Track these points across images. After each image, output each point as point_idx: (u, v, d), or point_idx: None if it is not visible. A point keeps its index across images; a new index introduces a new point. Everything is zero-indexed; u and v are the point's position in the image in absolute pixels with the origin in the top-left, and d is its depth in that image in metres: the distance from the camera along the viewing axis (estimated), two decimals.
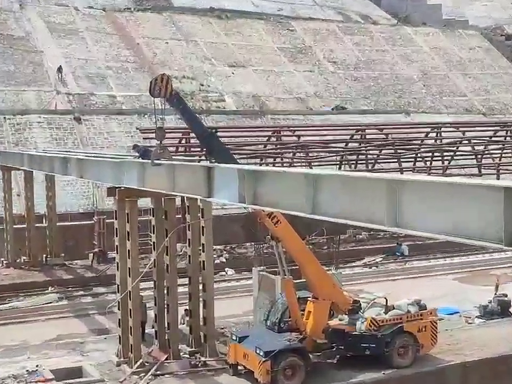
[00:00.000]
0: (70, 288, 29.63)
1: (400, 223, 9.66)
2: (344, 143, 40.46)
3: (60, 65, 44.99)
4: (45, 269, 31.66)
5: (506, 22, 74.80)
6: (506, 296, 24.40)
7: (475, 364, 19.33)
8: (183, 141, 34.93)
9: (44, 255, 32.51)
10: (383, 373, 18.25)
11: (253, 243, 32.44)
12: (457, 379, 18.96)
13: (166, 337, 19.52)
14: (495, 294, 24.60)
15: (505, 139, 44.43)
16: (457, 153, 42.56)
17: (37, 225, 32.60)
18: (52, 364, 19.61)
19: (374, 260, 34.32)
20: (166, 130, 19.25)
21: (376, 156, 40.70)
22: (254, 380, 17.59)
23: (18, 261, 32.21)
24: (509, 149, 43.76)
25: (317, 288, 18.52)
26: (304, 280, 18.94)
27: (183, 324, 20.58)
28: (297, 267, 19.02)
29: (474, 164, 42.07)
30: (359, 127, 42.19)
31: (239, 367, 18.38)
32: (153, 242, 19.39)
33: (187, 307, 20.29)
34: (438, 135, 43.44)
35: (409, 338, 18.70)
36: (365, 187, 10.23)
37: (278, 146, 39.63)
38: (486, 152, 42.83)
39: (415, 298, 19.93)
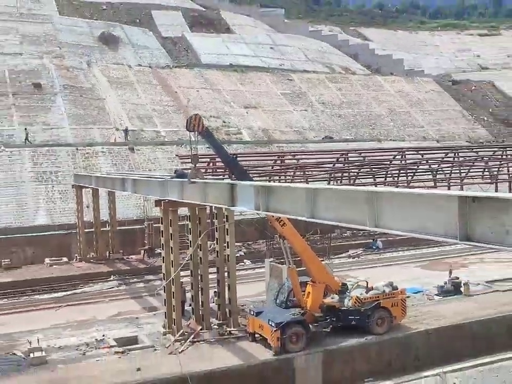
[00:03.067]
0: (127, 276, 29.61)
1: (379, 224, 9.59)
2: (332, 164, 40.38)
3: (127, 127, 45.07)
4: (108, 262, 31.66)
5: (452, 71, 74.70)
6: (457, 278, 24.18)
7: (435, 330, 19.13)
8: (211, 164, 34.94)
9: (107, 252, 32.53)
10: (366, 339, 18.10)
11: (264, 240, 32.38)
12: (422, 342, 18.74)
13: (201, 313, 19.44)
14: (449, 277, 24.39)
15: (453, 159, 44.18)
16: (418, 171, 42.34)
17: (102, 229, 32.63)
18: (115, 334, 19.54)
19: (356, 252, 34.08)
20: (199, 157, 19.24)
21: (356, 173, 40.55)
22: (267, 344, 17.48)
23: (88, 256, 32.25)
24: (457, 167, 43.54)
25: (314, 274, 18.41)
26: (305, 268, 18.85)
27: (213, 303, 20.48)
28: (299, 258, 18.93)
29: (431, 178, 41.82)
30: (343, 152, 42.06)
31: (256, 335, 18.27)
32: (190, 241, 19.37)
33: (216, 290, 20.20)
34: (403, 157, 43.24)
35: (385, 312, 18.52)
36: (351, 197, 10.17)
37: (282, 167, 39.58)
38: (439, 169, 42.60)
39: (389, 281, 19.78)
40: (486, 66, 78.58)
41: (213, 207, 20.68)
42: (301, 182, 36.70)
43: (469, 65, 78.67)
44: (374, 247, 34.77)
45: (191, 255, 19.37)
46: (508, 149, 47.23)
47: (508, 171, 44.47)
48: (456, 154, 44.81)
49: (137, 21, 66.41)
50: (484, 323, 19.82)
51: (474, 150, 47.10)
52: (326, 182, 38.66)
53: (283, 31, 75.42)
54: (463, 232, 8.34)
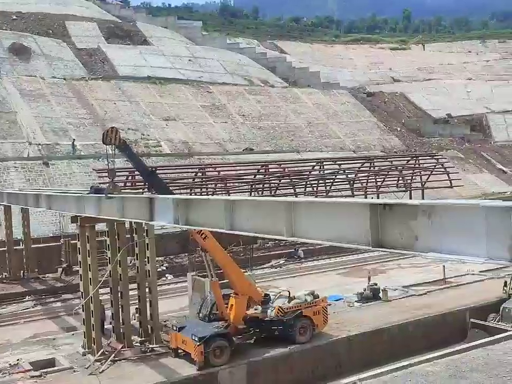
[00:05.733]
0: (43, 296, 28.49)
1: (296, 233, 9.76)
2: (253, 175, 40.77)
3: (74, 139, 43.82)
4: (22, 282, 30.28)
5: (366, 84, 77.40)
6: (376, 284, 24.92)
7: (356, 336, 19.62)
8: (130, 178, 34.36)
9: (22, 271, 31.17)
10: (289, 348, 18.29)
11: (187, 254, 32.14)
12: (344, 349, 19.18)
13: (121, 331, 19.01)
14: (368, 283, 25.10)
15: (369, 169, 45.71)
16: (336, 180, 43.44)
17: (16, 247, 31.26)
18: (30, 358, 18.72)
19: (278, 262, 34.46)
20: (116, 170, 18.89)
21: (277, 184, 41.13)
22: (191, 359, 17.32)
23: (1, 276, 30.80)
24: (373, 176, 45.07)
25: (237, 286, 18.45)
26: (227, 280, 18.85)
27: (134, 320, 20.08)
28: (222, 271, 18.92)
29: (348, 187, 43.03)
30: (263, 163, 42.55)
31: (179, 351, 18.07)
32: (109, 257, 18.95)
33: (137, 306, 19.83)
34: (321, 167, 44.28)
35: (307, 320, 18.79)
36: (269, 208, 10.30)
37: (203, 179, 39.53)
38: (356, 179, 43.92)
39: (310, 290, 20.11)
40: (397, 79, 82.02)
41: (132, 222, 20.33)
42: (223, 194, 36.79)
43: (382, 78, 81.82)
44: (295, 256, 35.30)
45: (110, 271, 18.93)
46: (420, 158, 49.42)
47: (421, 179, 46.51)
48: (372, 163, 46.41)
49: (50, 31, 64.46)
50: (402, 327, 20.59)
51: (388, 160, 48.92)
52: (247, 193, 38.95)
53: (201, 43, 75.60)
54: (376, 239, 8.63)
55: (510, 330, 16.48)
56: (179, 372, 16.89)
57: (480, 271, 27.75)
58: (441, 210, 7.91)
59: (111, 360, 17.73)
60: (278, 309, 18.47)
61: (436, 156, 51.08)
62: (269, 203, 10.44)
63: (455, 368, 11.26)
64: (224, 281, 18.93)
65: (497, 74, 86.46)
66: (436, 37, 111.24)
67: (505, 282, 22.53)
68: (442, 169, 47.19)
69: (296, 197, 37.85)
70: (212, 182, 39.11)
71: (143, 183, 30.17)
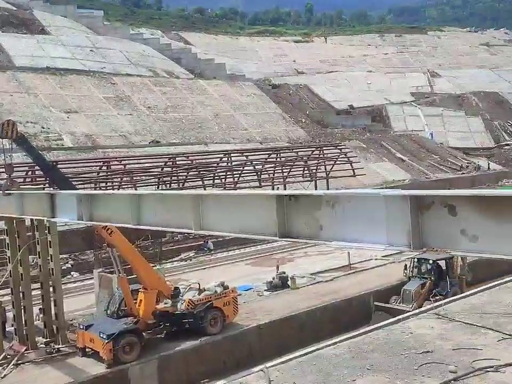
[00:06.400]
0: None
1: (204, 226, 9.73)
2: (160, 168, 40.25)
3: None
4: None
5: (271, 76, 78.37)
6: (284, 273, 25.42)
7: (266, 325, 19.94)
8: (30, 173, 32.87)
9: None
10: (200, 340, 18.30)
11: (92, 250, 31.23)
12: (255, 337, 19.43)
13: (25, 333, 18.23)
14: (277, 272, 25.55)
15: (276, 160, 46.43)
16: (244, 172, 43.76)
17: None
18: None
19: (188, 255, 34.28)
20: (14, 166, 17.99)
21: (185, 177, 40.84)
22: (99, 358, 16.92)
23: None
24: (279, 167, 45.83)
25: (146, 281, 18.21)
26: (136, 275, 18.56)
27: (38, 321, 19.31)
28: (130, 266, 18.59)
29: (256, 179, 43.48)
30: (170, 156, 42.10)
31: (87, 350, 17.59)
32: (8, 257, 18.09)
33: (41, 306, 19.08)
34: (229, 159, 44.44)
35: (217, 312, 18.89)
36: (176, 201, 10.20)
37: (108, 173, 38.54)
38: (263, 170, 44.47)
39: (220, 281, 20.20)
40: (301, 71, 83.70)
41: (34, 219, 19.48)
42: (129, 188, 36.05)
43: (287, 70, 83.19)
44: (205, 248, 35.27)
45: (10, 271, 18.07)
46: (324, 148, 50.78)
47: (325, 169, 47.81)
48: (278, 154, 47.14)
49: None
50: (310, 313, 21.15)
51: (294, 151, 49.89)
52: (155, 187, 38.41)
53: (103, 33, 73.38)
54: (282, 230, 8.77)
55: (409, 311, 17.34)
56: (87, 372, 16.45)
57: (383, 256, 28.95)
58: (344, 200, 8.15)
59: (13, 364, 16.96)
60: (188, 302, 18.43)
61: (339, 146, 52.64)
62: (176, 196, 10.36)
63: (357, 349, 11.72)
64: (133, 276, 18.63)
65: (395, 67, 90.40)
66: (337, 30, 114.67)
67: (405, 265, 23.66)
68: (346, 159, 48.74)
69: (205, 189, 37.83)
70: (118, 176, 38.19)
71: (44, 179, 28.95)
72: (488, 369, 9.80)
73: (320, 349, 11.98)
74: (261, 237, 9.52)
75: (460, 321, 12.49)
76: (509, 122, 73.78)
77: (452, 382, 9.50)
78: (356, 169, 48.34)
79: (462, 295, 17.40)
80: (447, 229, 7.04)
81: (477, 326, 12.10)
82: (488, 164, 62.34)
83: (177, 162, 41.49)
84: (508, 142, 69.87)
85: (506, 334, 11.45)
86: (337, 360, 11.20)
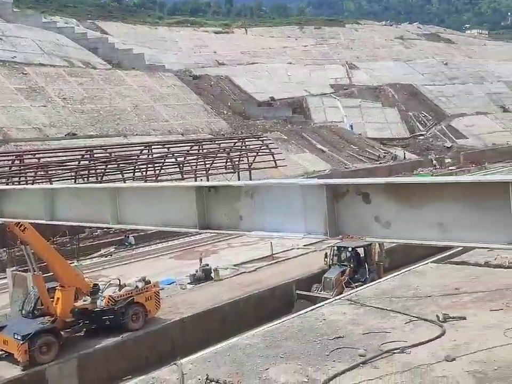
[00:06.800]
0: None
1: (122, 221, 9.54)
2: (77, 162, 39.13)
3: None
4: None
5: (192, 67, 77.80)
6: (208, 265, 25.43)
7: (189, 318, 19.90)
8: None
9: None
10: (121, 337, 18.02)
11: (5, 248, 29.96)
12: (177, 331, 19.34)
13: None
14: (200, 264, 25.51)
15: (198, 152, 46.25)
16: (165, 164, 43.31)
17: None
18: None
19: (108, 251, 33.57)
20: None
21: (103, 170, 39.90)
22: (14, 360, 16.31)
23: None
24: (202, 159, 45.68)
25: (63, 278, 17.68)
26: (52, 273, 17.99)
27: None
28: (45, 264, 17.99)
29: (178, 171, 43.14)
30: (88, 148, 41.01)
31: (0, 353, 16.90)
32: None
33: None
34: (150, 151, 43.84)
35: (139, 307, 18.65)
36: (93, 195, 9.96)
37: (22, 167, 37.03)
38: (186, 162, 44.18)
39: (142, 276, 19.97)
40: (222, 62, 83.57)
41: None
42: (44, 182, 34.79)
43: (207, 61, 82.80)
44: (126, 243, 34.66)
45: None
46: (246, 140, 51.06)
47: (248, 160, 48.11)
48: (201, 146, 46.98)
49: None
50: (233, 304, 21.27)
51: (216, 142, 49.86)
52: (72, 181, 37.27)
53: (12, 21, 70.15)
54: (202, 221, 8.75)
55: (329, 298, 17.79)
56: (1, 375, 15.80)
57: (305, 245, 29.51)
58: (263, 191, 8.24)
59: None
60: (108, 298, 18.07)
61: (261, 137, 53.10)
62: (92, 190, 10.09)
63: (271, 338, 11.92)
64: (49, 274, 18.05)
65: (314, 59, 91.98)
66: (257, 21, 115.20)
67: (326, 254, 24.24)
68: (267, 150, 49.24)
69: (125, 182, 37.10)
70: (32, 170, 36.78)
71: None
72: (394, 351, 10.27)
73: (235, 340, 12.10)
74: (181, 229, 9.46)
75: (371, 306, 12.97)
76: (422, 113, 76.93)
77: (361, 365, 9.87)
78: (277, 160, 48.93)
79: (377, 281, 18.02)
80: (362, 216, 7.26)
81: (386, 310, 12.61)
82: (404, 153, 64.79)
83: (95, 155, 40.47)
84: (422, 132, 72.89)
85: (413, 316, 12.01)
86: (251, 349, 11.35)
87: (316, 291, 22.50)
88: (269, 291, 22.82)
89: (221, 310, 20.82)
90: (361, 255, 23.75)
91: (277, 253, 28.51)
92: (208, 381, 9.65)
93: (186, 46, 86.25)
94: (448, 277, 14.72)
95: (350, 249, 23.47)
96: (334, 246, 24.09)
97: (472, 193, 6.10)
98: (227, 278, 24.70)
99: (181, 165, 43.47)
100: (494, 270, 15.07)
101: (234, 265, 26.89)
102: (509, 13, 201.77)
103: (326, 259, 24.15)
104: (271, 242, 28.13)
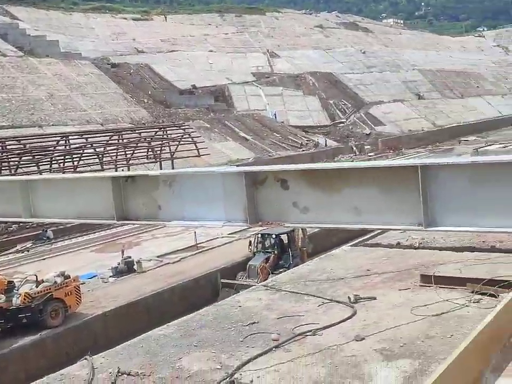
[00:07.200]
0: None
1: (36, 214, 9.23)
2: None
3: None
4: None
5: (110, 54, 75.88)
6: (130, 257, 25.03)
7: (112, 311, 19.56)
8: None
9: None
10: (40, 335, 17.48)
11: None
12: (100, 326, 18.97)
13: None
14: (122, 257, 25.08)
15: (118, 141, 45.31)
16: (84, 155, 42.16)
17: None
18: None
19: (25, 246, 32.36)
20: None
21: (17, 162, 38.33)
22: None
23: None
24: (122, 149, 44.80)
25: None
26: None
27: None
28: None
29: (98, 162, 42.13)
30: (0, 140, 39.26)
31: None
32: None
33: None
34: (67, 142, 42.52)
35: (58, 303, 18.08)
36: (3, 188, 9.56)
37: None
38: (105, 152, 43.18)
39: (61, 271, 19.39)
40: (142, 50, 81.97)
41: None
42: None
43: (126, 49, 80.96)
44: (44, 238, 33.52)
45: None
46: (167, 129, 50.46)
47: (170, 150, 47.60)
48: (121, 136, 46.02)
49: None
50: (156, 296, 21.07)
51: (137, 131, 49.00)
52: None
53: None
54: (120, 212, 8.61)
55: (254, 285, 17.95)
56: None
57: (229, 234, 29.61)
58: (181, 179, 8.18)
59: None
60: (25, 295, 17.41)
61: (182, 126, 52.63)
62: (2, 183, 9.68)
63: (186, 327, 11.92)
64: None
65: (235, 47, 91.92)
66: (177, 8, 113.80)
67: (250, 241, 24.44)
68: (190, 139, 48.91)
69: (41, 174, 35.79)
70: None
71: None
72: (307, 334, 10.54)
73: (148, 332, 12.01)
74: (98, 221, 9.26)
75: (286, 291, 13.21)
76: (342, 101, 78.68)
77: (274, 349, 10.07)
78: (200, 149, 48.72)
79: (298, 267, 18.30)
80: (281, 202, 7.35)
81: (301, 294, 12.88)
82: (326, 140, 66.11)
83: (8, 147, 38.78)
84: (342, 120, 74.60)
85: (326, 299, 12.34)
86: (165, 340, 11.31)
87: (241, 279, 22.65)
88: (194, 281, 22.77)
89: (144, 302, 20.58)
90: (284, 242, 24.10)
91: (201, 243, 28.45)
92: (120, 374, 9.53)
93: (104, 33, 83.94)
94: (361, 259, 15.20)
95: (273, 236, 23.77)
96: (258, 234, 24.32)
97: (385, 178, 6.30)
98: (150, 269, 24.42)
99: (101, 156, 42.44)
100: (405, 251, 15.68)
101: (158, 256, 26.61)
102: (423, 3, 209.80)
103: (250, 247, 24.35)
104: (195, 232, 28.03)
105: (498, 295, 10.64)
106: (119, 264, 24.24)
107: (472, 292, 11.39)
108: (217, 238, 29.54)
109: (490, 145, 42.24)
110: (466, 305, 10.99)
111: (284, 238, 24.08)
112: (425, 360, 8.95)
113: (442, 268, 13.27)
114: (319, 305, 12.05)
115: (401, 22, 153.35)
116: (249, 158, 55.99)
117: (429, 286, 12.26)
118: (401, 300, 11.89)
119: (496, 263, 12.96)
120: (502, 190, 5.49)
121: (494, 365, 3.47)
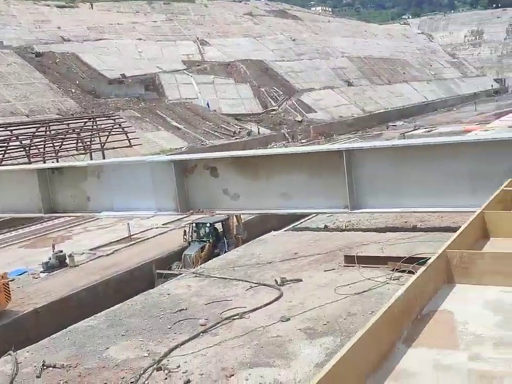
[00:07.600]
0: None
1: None
2: None
3: None
4: None
5: (34, 43, 73.22)
6: (62, 251, 24.41)
7: (44, 307, 19.07)
8: None
9: None
10: None
11: None
12: (31, 323, 18.46)
13: None
14: (53, 251, 24.45)
15: (46, 133, 43.95)
16: (9, 148, 40.67)
17: None
18: None
19: None
20: None
21: None
22: None
23: None
24: (50, 141, 43.49)
25: None
26: None
27: None
28: None
29: (24, 155, 40.75)
30: None
31: None
32: None
33: None
34: None
35: None
36: None
37: None
38: (32, 145, 41.81)
39: None
40: (68, 39, 79.49)
41: None
42: None
43: (51, 37, 78.30)
44: None
45: None
46: (97, 119, 49.32)
47: (100, 141, 46.59)
48: (48, 127, 44.64)
49: None
50: (90, 289, 20.68)
51: (65, 123, 47.64)
52: None
53: None
54: (47, 205, 8.45)
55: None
56: None
57: (163, 224, 29.35)
58: (110, 170, 8.08)
59: None
60: None
61: (112, 116, 51.59)
62: None
63: (113, 317, 11.82)
64: None
65: (165, 35, 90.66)
66: None
67: (185, 231, 24.35)
68: (121, 129, 48.03)
69: None
70: None
71: None
72: (234, 317, 10.69)
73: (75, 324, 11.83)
74: (25, 215, 9.02)
75: (215, 277, 13.29)
76: (274, 89, 79.21)
77: (201, 334, 10.16)
78: (132, 139, 47.95)
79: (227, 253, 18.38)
80: (211, 190, 7.40)
81: (229, 279, 12.99)
82: (258, 128, 66.45)
83: None
84: (274, 108, 75.13)
85: (253, 282, 12.51)
86: (92, 331, 11.17)
87: (176, 269, 22.56)
88: (128, 273, 22.47)
89: (77, 297, 20.16)
90: (219, 230, 24.15)
91: (135, 234, 28.09)
92: (45, 367, 9.37)
93: (27, 21, 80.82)
94: (290, 243, 15.43)
95: (208, 225, 23.78)
96: (192, 223, 24.25)
97: (312, 163, 6.45)
98: (83, 263, 23.90)
99: (27, 148, 41.05)
100: (331, 234, 16.00)
101: (91, 249, 26.08)
102: None
103: (185, 236, 24.27)
104: (128, 224, 27.64)
105: (416, 272, 11.06)
106: (50, 259, 23.58)
107: (393, 270, 11.80)
108: (152, 228, 29.25)
109: (416, 129, 43.71)
110: (387, 283, 11.38)
111: (219, 226, 24.14)
112: (347, 337, 9.23)
113: (365, 248, 13.64)
114: (247, 289, 12.20)
115: (330, 10, 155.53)
116: (182, 147, 55.57)
117: (353, 266, 12.62)
118: (325, 281, 12.21)
119: (416, 241, 13.43)
120: (421, 172, 5.72)
121: (405, 337, 3.64)
